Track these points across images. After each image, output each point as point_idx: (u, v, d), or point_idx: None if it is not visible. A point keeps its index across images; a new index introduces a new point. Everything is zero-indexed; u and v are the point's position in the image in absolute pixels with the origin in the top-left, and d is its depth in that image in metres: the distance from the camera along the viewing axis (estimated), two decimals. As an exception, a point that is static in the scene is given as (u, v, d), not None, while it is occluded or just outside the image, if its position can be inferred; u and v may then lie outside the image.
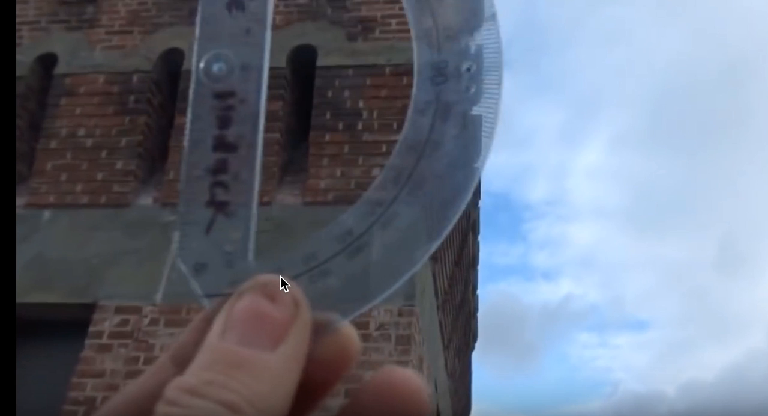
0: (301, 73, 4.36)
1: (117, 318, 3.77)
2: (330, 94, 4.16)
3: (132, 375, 3.54)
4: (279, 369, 0.25)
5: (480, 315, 8.23)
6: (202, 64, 0.30)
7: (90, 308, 3.79)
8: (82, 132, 4.22)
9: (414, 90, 0.30)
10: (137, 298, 3.80)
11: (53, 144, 4.22)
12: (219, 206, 0.29)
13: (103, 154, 4.19)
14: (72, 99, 4.28)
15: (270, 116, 4.13)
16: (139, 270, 3.88)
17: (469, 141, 0.29)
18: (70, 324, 3.77)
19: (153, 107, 4.33)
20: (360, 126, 4.07)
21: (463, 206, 0.28)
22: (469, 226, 6.41)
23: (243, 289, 0.26)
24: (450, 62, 0.30)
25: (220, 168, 0.29)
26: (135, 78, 4.31)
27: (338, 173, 3.99)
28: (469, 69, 0.29)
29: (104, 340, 3.71)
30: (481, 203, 7.00)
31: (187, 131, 0.30)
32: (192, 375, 0.24)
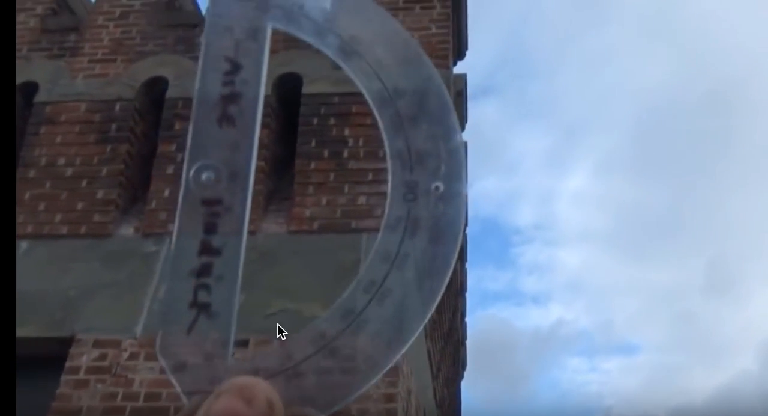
0: (286, 100, 4.33)
1: (95, 352, 3.65)
2: (315, 121, 4.13)
3: (109, 411, 3.41)
4: None
5: (471, 341, 8.16)
6: (191, 173, 0.33)
7: (67, 343, 3.67)
8: (62, 161, 4.14)
9: (387, 207, 0.33)
10: (116, 331, 3.69)
11: (32, 173, 4.14)
12: (202, 308, 0.31)
13: (84, 183, 4.11)
14: (52, 127, 4.21)
15: (254, 144, 4.09)
16: (118, 302, 3.77)
17: (436, 254, 0.32)
18: (46, 360, 3.64)
19: (135, 135, 4.27)
20: (346, 154, 4.03)
21: (430, 312, 0.31)
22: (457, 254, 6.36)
23: (221, 390, 0.28)
24: (420, 182, 0.33)
25: (204, 271, 0.31)
26: (117, 106, 4.26)
27: (324, 201, 3.93)
28: (437, 188, 0.33)
29: (81, 375, 3.58)
30: (468, 230, 6.98)
31: (174, 237, 0.32)
32: None
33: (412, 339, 0.31)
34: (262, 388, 0.28)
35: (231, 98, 0.34)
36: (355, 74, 0.36)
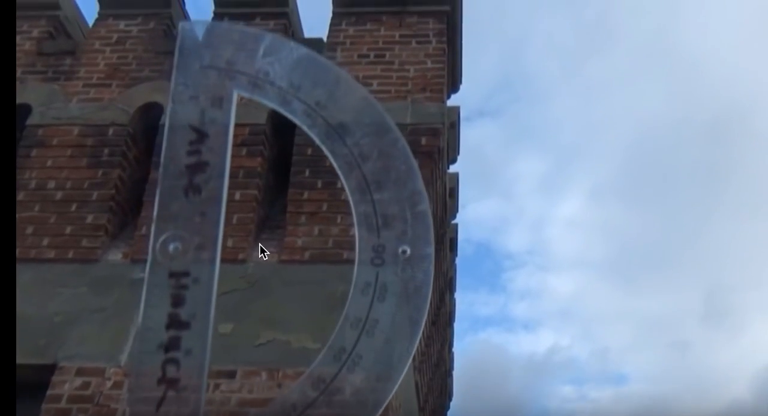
0: (281, 129, 4.34)
1: (78, 381, 3.56)
2: (309, 151, 4.13)
3: (90, 443, 3.32)
4: None
5: (464, 367, 8.11)
6: (158, 244, 0.32)
7: (49, 370, 3.59)
8: (52, 184, 4.10)
9: (355, 271, 0.33)
10: (100, 359, 3.61)
11: (21, 196, 4.09)
12: (170, 383, 0.30)
13: (73, 207, 4.07)
14: (43, 150, 4.19)
15: (248, 173, 4.08)
16: (104, 329, 3.70)
17: (403, 320, 0.32)
18: (27, 387, 3.54)
19: (128, 160, 4.25)
20: (339, 184, 4.02)
21: (399, 379, 0.32)
22: (446, 284, 6.34)
23: None
24: (387, 247, 0.34)
25: (172, 345, 0.31)
26: (111, 131, 4.25)
27: (316, 231, 3.92)
28: (404, 252, 0.33)
29: (62, 404, 3.49)
30: (461, 254, 6.98)
31: (141, 310, 0.32)
32: None
33: (386, 401, 0.33)
34: None
35: (197, 167, 0.35)
36: (320, 139, 0.35)
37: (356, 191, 0.34)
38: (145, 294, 0.32)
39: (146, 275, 0.31)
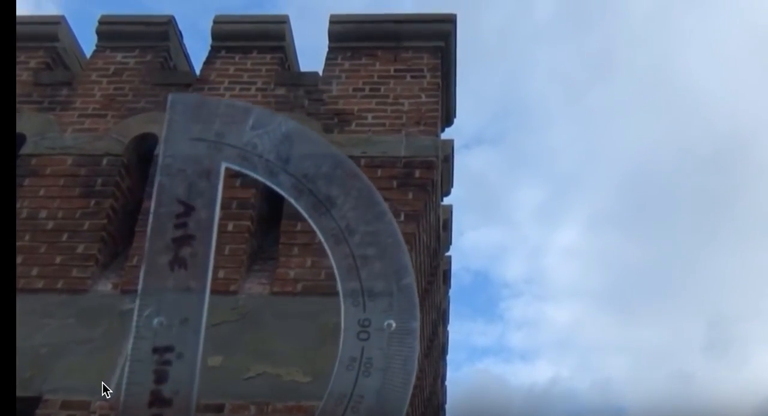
0: (274, 161, 4.35)
1: (62, 414, 3.49)
2: (303, 183, 4.13)
3: (73, 480, 3.24)
4: None
5: (460, 398, 7.98)
6: (142, 319, 0.31)
7: (34, 403, 3.52)
8: (43, 214, 4.08)
9: (341, 345, 0.34)
10: (86, 392, 3.54)
11: (12, 225, 4.07)
12: None
13: (64, 237, 4.04)
14: (36, 180, 4.18)
15: (241, 204, 4.08)
16: (91, 361, 3.64)
17: (388, 394, 0.33)
18: (10, 421, 3.47)
19: (121, 190, 4.24)
20: (332, 216, 4.02)
21: None
22: (439, 316, 6.30)
23: None
24: (373, 320, 0.35)
25: None
26: (105, 161, 4.25)
27: (308, 262, 3.90)
28: (389, 326, 0.34)
29: (46, 439, 3.41)
30: (458, 284, 6.95)
31: (123, 387, 0.30)
32: None
33: None
34: None
35: (183, 241, 0.34)
36: (307, 212, 0.35)
37: (343, 267, 0.34)
38: (127, 371, 0.30)
39: (129, 351, 0.30)
